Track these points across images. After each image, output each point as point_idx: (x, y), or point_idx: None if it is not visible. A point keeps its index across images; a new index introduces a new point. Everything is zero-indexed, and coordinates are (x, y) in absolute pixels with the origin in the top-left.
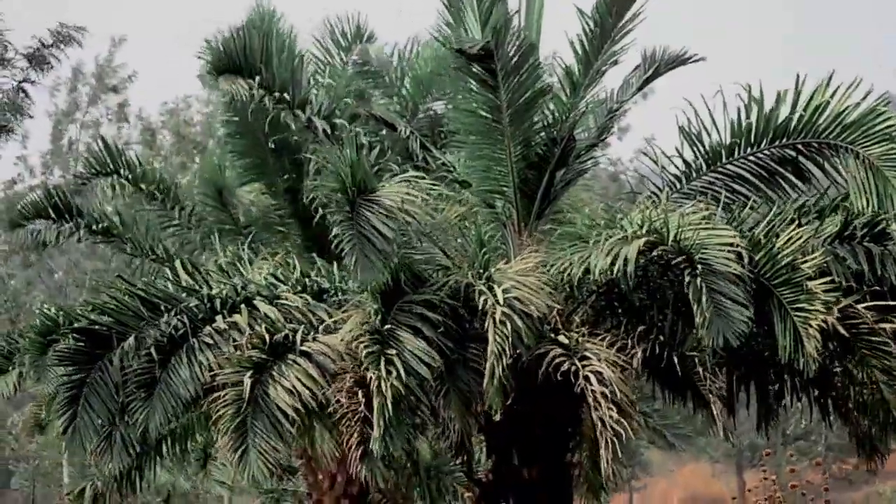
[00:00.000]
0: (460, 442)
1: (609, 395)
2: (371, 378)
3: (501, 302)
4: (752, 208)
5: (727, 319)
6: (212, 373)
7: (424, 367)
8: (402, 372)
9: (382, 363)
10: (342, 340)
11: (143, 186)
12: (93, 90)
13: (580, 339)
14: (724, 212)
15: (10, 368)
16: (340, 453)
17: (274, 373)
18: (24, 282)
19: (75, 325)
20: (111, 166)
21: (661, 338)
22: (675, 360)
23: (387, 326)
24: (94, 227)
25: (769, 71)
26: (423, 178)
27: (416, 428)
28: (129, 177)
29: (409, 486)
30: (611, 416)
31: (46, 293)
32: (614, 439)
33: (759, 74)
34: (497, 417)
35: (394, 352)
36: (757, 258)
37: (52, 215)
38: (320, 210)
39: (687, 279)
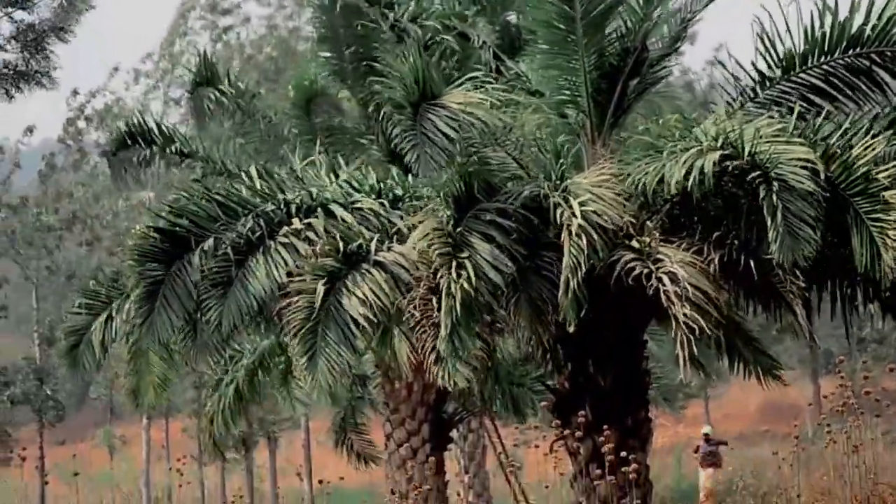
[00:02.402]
0: (533, 350)
1: (682, 294)
2: (442, 282)
3: (578, 215)
4: (826, 118)
5: (797, 240)
6: (287, 276)
7: (495, 271)
8: (472, 275)
9: (453, 266)
10: (415, 248)
11: (227, 100)
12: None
13: (654, 243)
14: (798, 122)
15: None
16: (417, 361)
17: (348, 282)
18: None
19: (156, 225)
20: (209, 79)
21: (737, 243)
22: (753, 265)
23: (458, 230)
24: (167, 149)
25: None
26: (491, 82)
27: (489, 332)
28: (221, 90)
29: (487, 393)
30: (685, 314)
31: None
32: (690, 336)
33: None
34: (571, 329)
35: (465, 255)
36: (832, 169)
37: (140, 142)
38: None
39: (762, 194)
